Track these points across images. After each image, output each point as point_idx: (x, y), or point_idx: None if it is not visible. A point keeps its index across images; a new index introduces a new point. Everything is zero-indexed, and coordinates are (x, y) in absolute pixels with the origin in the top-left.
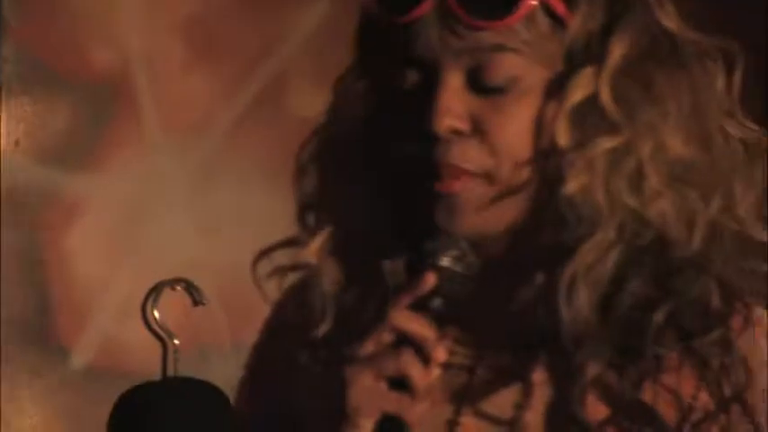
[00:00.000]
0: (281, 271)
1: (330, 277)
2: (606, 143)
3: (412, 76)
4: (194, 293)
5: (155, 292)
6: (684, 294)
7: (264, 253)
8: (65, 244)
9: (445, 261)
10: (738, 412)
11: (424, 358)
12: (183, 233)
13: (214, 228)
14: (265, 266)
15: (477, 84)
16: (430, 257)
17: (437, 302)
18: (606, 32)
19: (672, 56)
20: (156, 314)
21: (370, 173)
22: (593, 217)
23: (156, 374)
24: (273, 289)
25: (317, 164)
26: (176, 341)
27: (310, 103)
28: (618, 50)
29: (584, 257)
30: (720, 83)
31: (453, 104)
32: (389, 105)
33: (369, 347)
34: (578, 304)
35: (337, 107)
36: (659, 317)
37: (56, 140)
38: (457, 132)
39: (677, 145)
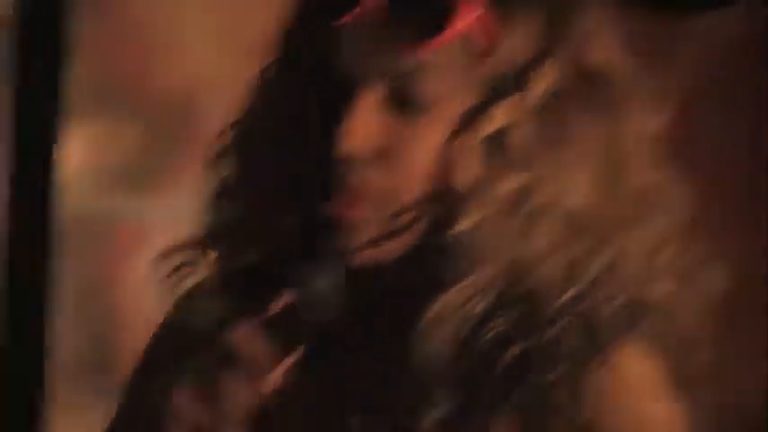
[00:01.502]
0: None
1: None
2: (508, 184)
3: (327, 88)
4: None
5: None
6: (539, 335)
7: (167, 254)
8: (130, 270)
9: (311, 287)
10: None
11: (252, 383)
12: None
13: None
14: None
15: (393, 105)
16: (297, 278)
17: (287, 329)
18: (530, 67)
19: (598, 94)
20: None
21: (276, 178)
22: (476, 256)
23: None
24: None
25: (230, 157)
26: None
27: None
28: (539, 85)
29: (457, 295)
30: (652, 125)
31: (363, 126)
32: (301, 111)
33: (199, 363)
34: (437, 340)
35: (254, 100)
36: (511, 353)
37: (122, 164)
38: (359, 159)
39: (580, 194)
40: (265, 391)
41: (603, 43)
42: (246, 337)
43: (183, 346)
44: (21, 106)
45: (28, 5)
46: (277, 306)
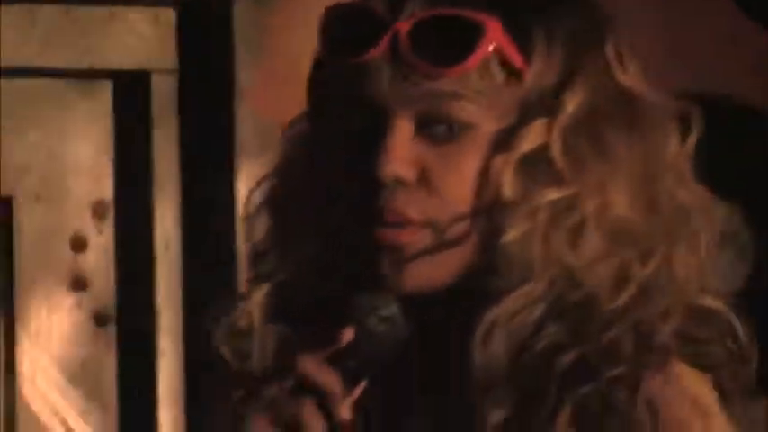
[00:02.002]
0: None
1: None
2: (551, 195)
3: (361, 120)
4: None
5: None
6: (595, 340)
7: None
8: None
9: (370, 321)
10: None
11: (326, 413)
12: None
13: None
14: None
15: (427, 131)
16: (356, 314)
17: (352, 363)
18: (561, 87)
19: (627, 115)
20: None
21: (320, 222)
22: (527, 268)
23: None
24: None
25: (266, 212)
26: None
27: None
28: (571, 106)
29: (510, 305)
30: (674, 146)
31: (401, 152)
32: (338, 150)
33: (271, 391)
34: (493, 349)
35: (287, 153)
36: (566, 359)
37: None
38: (402, 181)
39: (622, 205)
40: (339, 422)
41: (626, 69)
42: (317, 368)
43: (249, 378)
44: (189, 149)
45: (195, 53)
46: (343, 340)
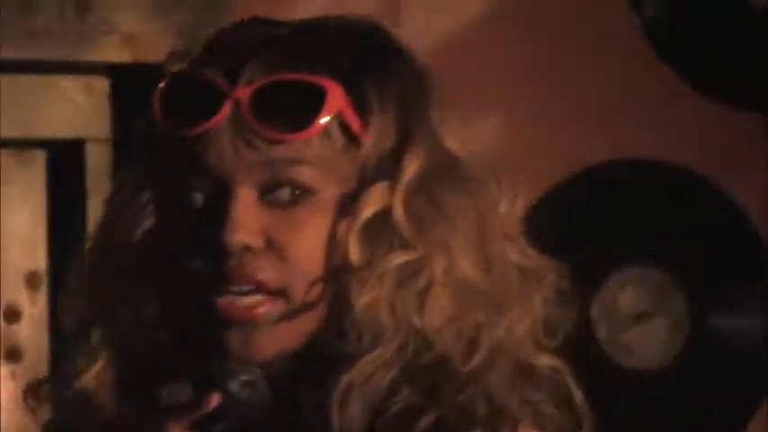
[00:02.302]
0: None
1: (106, 401)
2: (397, 259)
3: (203, 190)
4: None
5: None
6: (451, 402)
7: (40, 384)
8: None
9: (233, 386)
10: None
11: None
12: None
13: None
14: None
15: (271, 198)
16: (220, 379)
17: (219, 427)
18: (398, 151)
19: (456, 178)
20: None
21: (151, 291)
22: (377, 332)
23: None
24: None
25: (91, 284)
26: None
27: None
28: (410, 168)
29: (362, 370)
30: (503, 207)
31: (246, 219)
32: (175, 220)
33: None
34: (349, 414)
35: (111, 222)
36: (424, 423)
37: None
38: (249, 248)
39: (467, 265)
40: None
41: (450, 131)
42: None
43: None
44: None
45: (128, 121)
46: (209, 405)
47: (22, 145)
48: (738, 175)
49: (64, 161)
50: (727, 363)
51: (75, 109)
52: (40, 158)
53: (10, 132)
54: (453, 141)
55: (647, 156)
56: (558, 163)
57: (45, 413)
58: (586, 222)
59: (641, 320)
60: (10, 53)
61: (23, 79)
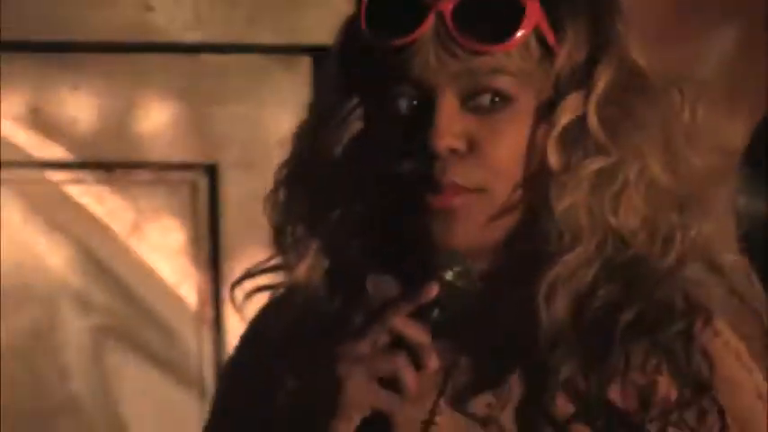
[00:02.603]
0: (263, 290)
1: (316, 292)
2: (594, 164)
3: (408, 97)
4: None
5: None
6: (650, 297)
7: (248, 276)
8: None
9: (449, 275)
10: (710, 409)
11: (417, 363)
12: None
13: None
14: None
15: (473, 105)
16: (435, 270)
17: (436, 313)
18: (590, 63)
19: (644, 88)
20: None
21: (357, 192)
22: (576, 232)
23: None
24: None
25: (296, 184)
26: None
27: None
28: (602, 79)
29: (565, 267)
30: (686, 115)
31: (451, 125)
32: (383, 125)
33: (364, 348)
34: (555, 308)
35: (318, 126)
36: (626, 316)
37: None
38: (454, 151)
39: (657, 169)
40: (429, 371)
41: (636, 48)
42: (405, 324)
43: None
44: None
45: None
46: (428, 295)
47: (290, 51)
48: None
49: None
50: None
51: (339, 16)
52: (306, 63)
53: (275, 39)
54: (640, 55)
55: None
56: None
57: (250, 308)
58: None
59: None
60: None
61: None
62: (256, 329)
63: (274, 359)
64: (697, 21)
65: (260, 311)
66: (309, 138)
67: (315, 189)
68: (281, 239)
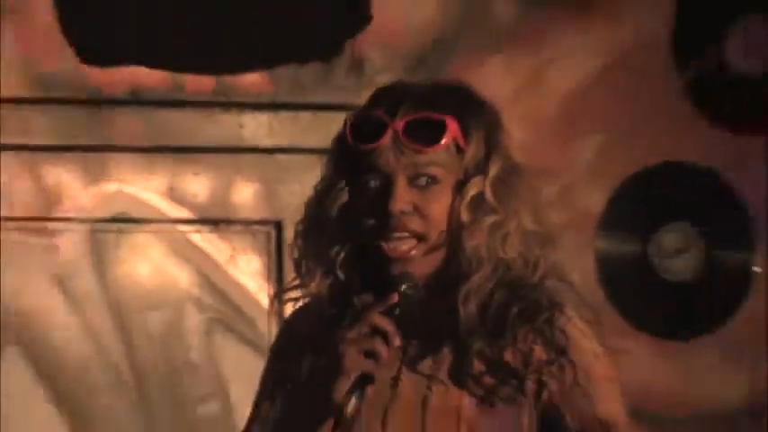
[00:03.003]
0: (292, 300)
1: (323, 301)
2: (490, 219)
3: (375, 180)
4: None
5: None
6: (527, 299)
7: (284, 290)
8: None
9: (404, 288)
10: (566, 365)
11: (387, 343)
12: None
13: None
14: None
15: (416, 184)
16: (395, 285)
17: (397, 312)
18: (486, 158)
19: (519, 173)
20: None
21: (345, 239)
22: (479, 261)
23: None
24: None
25: (308, 234)
26: None
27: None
28: (493, 168)
29: (474, 283)
30: (547, 189)
31: (403, 196)
32: (360, 198)
33: (354, 334)
34: (469, 308)
35: (321, 198)
36: (513, 311)
37: None
38: (404, 212)
39: (528, 222)
40: (394, 347)
41: (513, 145)
42: (380, 319)
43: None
44: None
45: None
46: (392, 300)
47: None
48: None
49: None
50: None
51: None
52: None
53: (322, 144)
54: (516, 152)
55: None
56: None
57: (286, 311)
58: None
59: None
60: None
61: None
62: (290, 323)
63: (300, 341)
64: (567, 131)
65: (292, 311)
66: (315, 205)
67: (319, 237)
68: (299, 269)
